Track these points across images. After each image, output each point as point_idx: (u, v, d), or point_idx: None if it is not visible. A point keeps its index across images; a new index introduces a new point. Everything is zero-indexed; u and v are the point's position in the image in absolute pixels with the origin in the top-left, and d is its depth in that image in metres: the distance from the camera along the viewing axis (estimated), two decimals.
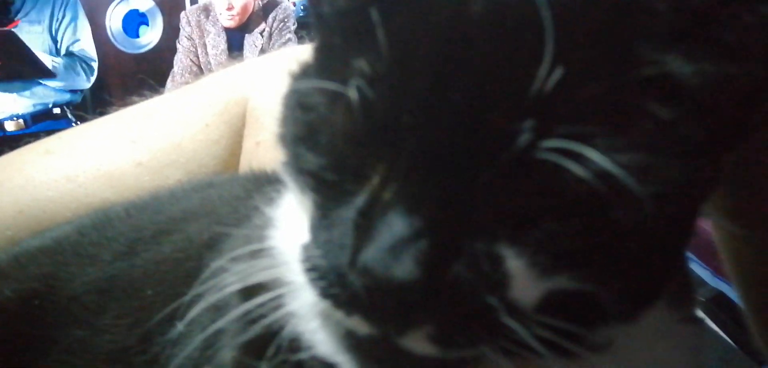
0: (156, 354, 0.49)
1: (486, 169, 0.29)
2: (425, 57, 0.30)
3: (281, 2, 3.33)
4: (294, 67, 0.41)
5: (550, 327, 0.30)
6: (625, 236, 0.30)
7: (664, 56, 0.29)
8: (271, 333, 0.39)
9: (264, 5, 3.25)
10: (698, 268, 1.15)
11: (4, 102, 3.27)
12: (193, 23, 3.22)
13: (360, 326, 0.33)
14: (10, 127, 3.25)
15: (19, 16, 3.35)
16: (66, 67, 3.46)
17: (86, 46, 3.59)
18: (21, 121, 3.28)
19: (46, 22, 3.43)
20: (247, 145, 0.88)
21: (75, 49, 3.53)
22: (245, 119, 0.90)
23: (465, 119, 0.29)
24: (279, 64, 0.94)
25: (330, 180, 0.34)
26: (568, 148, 0.27)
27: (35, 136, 0.88)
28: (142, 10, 4.24)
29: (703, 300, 1.10)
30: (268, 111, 0.87)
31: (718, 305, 1.09)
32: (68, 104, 3.54)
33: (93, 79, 3.66)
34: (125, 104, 0.87)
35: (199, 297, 0.42)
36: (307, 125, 0.36)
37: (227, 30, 3.19)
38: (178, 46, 3.33)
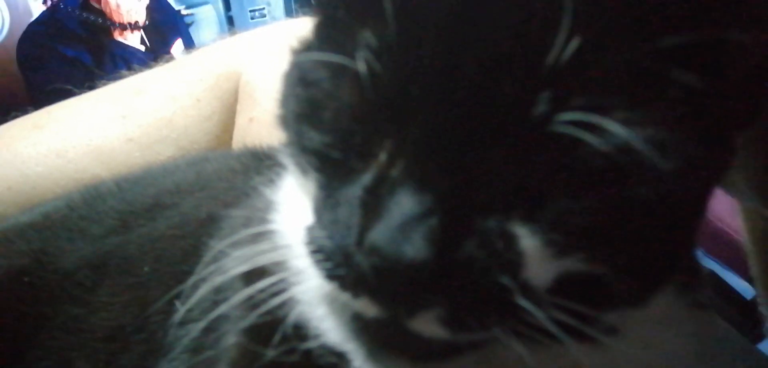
0: (154, 332, 0.49)
1: (499, 144, 0.28)
2: (435, 26, 0.29)
3: None
4: (294, 42, 0.39)
5: (564, 309, 0.30)
6: (640, 214, 0.29)
7: (687, 24, 0.27)
8: (277, 320, 0.38)
9: None
10: None
11: None
12: None
13: (367, 309, 0.32)
14: None
15: None
16: None
17: None
18: None
19: None
20: (240, 120, 0.87)
21: None
22: (237, 94, 0.88)
23: (477, 91, 0.28)
24: (272, 38, 0.93)
25: (335, 158, 0.33)
26: (587, 120, 0.26)
27: None
28: None
29: None
30: (261, 86, 0.86)
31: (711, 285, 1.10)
32: None
33: None
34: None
35: (200, 281, 0.41)
36: (310, 101, 0.35)
37: None
38: None
